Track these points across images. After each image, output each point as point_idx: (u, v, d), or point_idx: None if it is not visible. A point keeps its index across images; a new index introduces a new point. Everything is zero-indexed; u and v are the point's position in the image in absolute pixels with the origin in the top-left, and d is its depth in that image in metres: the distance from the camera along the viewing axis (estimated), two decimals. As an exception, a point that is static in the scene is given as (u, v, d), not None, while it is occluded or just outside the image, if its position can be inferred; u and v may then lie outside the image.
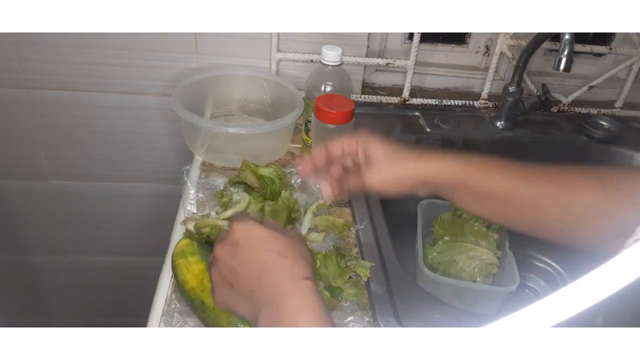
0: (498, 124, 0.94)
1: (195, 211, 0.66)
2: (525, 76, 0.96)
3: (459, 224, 0.76)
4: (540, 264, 0.90)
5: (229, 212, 0.62)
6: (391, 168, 0.51)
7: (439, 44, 1.02)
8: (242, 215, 0.50)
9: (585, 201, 0.46)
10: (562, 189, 0.47)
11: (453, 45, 1.03)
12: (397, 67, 0.95)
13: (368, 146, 0.53)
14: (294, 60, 0.91)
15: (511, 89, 0.90)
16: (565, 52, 0.72)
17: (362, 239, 0.65)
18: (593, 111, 1.03)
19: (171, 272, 0.56)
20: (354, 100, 0.82)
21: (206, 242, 0.59)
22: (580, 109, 1.03)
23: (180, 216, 0.66)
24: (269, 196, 0.67)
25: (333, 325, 0.41)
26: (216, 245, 0.47)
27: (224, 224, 0.60)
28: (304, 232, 0.60)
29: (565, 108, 1.03)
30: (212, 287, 0.47)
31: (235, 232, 0.46)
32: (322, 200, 0.64)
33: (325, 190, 0.55)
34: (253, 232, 0.46)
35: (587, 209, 0.45)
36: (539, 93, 0.95)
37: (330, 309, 0.54)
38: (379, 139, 0.53)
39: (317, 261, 0.56)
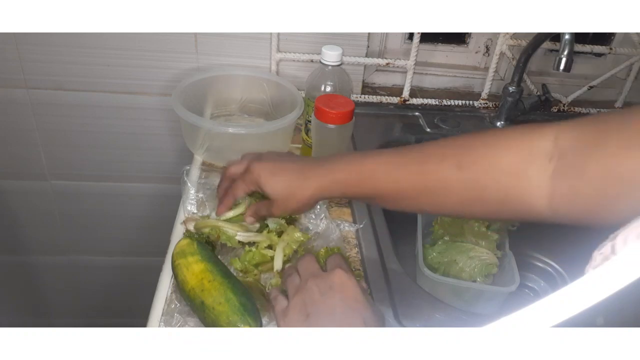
0: (498, 124, 0.94)
1: (195, 211, 0.66)
2: (525, 76, 0.96)
3: (459, 224, 0.76)
4: (540, 264, 0.90)
5: (230, 213, 0.62)
6: (287, 203, 0.55)
7: (439, 44, 1.02)
8: (345, 264, 0.50)
9: (447, 184, 0.48)
10: (426, 177, 0.49)
11: (453, 45, 1.03)
12: (397, 67, 0.95)
13: (262, 188, 0.55)
14: (294, 60, 0.91)
15: (511, 89, 0.90)
16: (565, 52, 0.72)
17: (362, 238, 0.65)
18: (593, 111, 1.03)
19: (171, 272, 0.56)
20: (354, 100, 0.82)
21: (206, 243, 0.59)
22: (580, 109, 1.03)
23: (180, 216, 0.66)
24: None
25: None
26: (311, 278, 0.48)
27: (224, 225, 0.60)
28: (277, 267, 0.59)
29: (565, 108, 1.03)
30: (289, 309, 0.47)
31: (336, 276, 0.47)
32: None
33: (250, 220, 0.60)
34: (351, 285, 0.47)
35: (449, 191, 0.48)
36: (539, 93, 0.95)
37: None
38: (270, 174, 0.55)
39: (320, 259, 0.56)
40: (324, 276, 0.48)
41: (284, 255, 0.58)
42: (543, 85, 0.94)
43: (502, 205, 0.46)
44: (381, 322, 0.48)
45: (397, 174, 0.50)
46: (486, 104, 1.00)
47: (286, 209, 0.56)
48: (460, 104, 1.00)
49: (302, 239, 0.59)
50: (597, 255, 0.33)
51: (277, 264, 0.57)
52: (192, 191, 0.68)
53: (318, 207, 0.67)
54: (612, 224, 0.30)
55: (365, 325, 0.45)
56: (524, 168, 0.44)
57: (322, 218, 0.66)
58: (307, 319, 0.45)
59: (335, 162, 0.54)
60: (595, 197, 0.39)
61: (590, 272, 0.22)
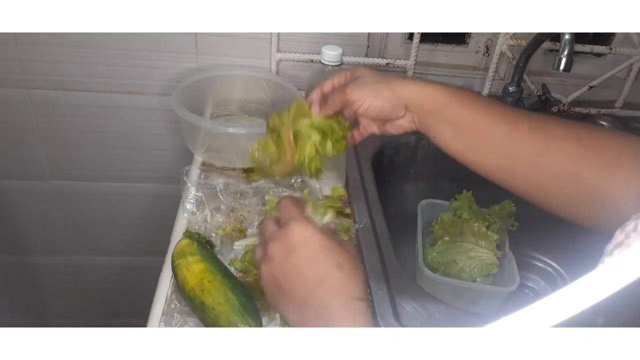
0: (498, 124, 0.94)
1: (195, 210, 0.66)
2: (525, 76, 0.96)
3: (459, 224, 0.76)
4: (540, 264, 0.90)
5: (247, 241, 0.62)
6: (374, 83, 0.50)
7: (439, 44, 1.02)
8: (300, 215, 0.45)
9: (558, 151, 0.46)
10: (538, 133, 0.47)
11: (453, 45, 1.02)
12: (397, 67, 0.95)
13: (355, 71, 0.53)
14: (294, 60, 0.91)
15: (511, 89, 0.90)
16: (565, 52, 0.72)
17: (362, 238, 0.65)
18: (593, 111, 1.03)
19: (171, 272, 0.56)
20: (354, 100, 0.82)
21: (206, 243, 0.59)
22: (580, 109, 1.03)
23: (180, 216, 0.66)
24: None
25: None
26: (270, 243, 0.44)
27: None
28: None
29: (565, 108, 1.03)
30: (263, 285, 0.45)
31: (293, 234, 0.43)
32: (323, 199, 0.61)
33: (315, 108, 0.53)
34: (311, 237, 0.43)
35: (558, 166, 0.45)
36: (539, 93, 0.95)
37: None
38: (367, 68, 0.54)
39: None
40: (281, 236, 0.43)
41: None
42: (543, 85, 0.94)
43: (592, 196, 0.44)
44: (356, 260, 0.45)
45: (511, 123, 0.47)
46: (486, 104, 1.00)
47: (368, 87, 0.50)
48: (460, 104, 0.99)
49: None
50: (619, 234, 0.33)
51: None
52: (192, 191, 0.68)
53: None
54: None
55: (342, 270, 0.42)
56: (622, 162, 0.43)
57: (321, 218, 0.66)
58: (281, 290, 0.43)
59: (427, 80, 0.52)
60: None
61: (592, 272, 0.22)
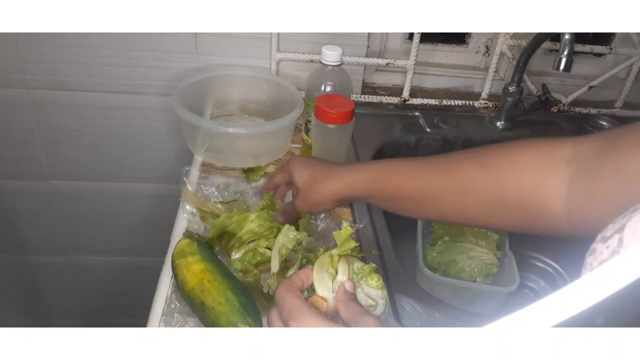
0: (498, 124, 0.94)
1: (195, 210, 0.66)
2: (525, 76, 0.96)
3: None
4: (540, 264, 0.90)
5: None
6: (311, 196, 0.57)
7: (439, 44, 1.02)
8: (298, 309, 0.40)
9: (469, 182, 0.48)
10: (449, 176, 0.50)
11: (453, 45, 1.02)
12: (397, 67, 0.95)
13: (294, 176, 0.59)
14: (294, 60, 0.91)
15: (511, 89, 0.90)
16: (565, 52, 0.72)
17: (362, 238, 0.65)
18: (593, 111, 1.03)
19: (171, 272, 0.56)
20: (354, 100, 0.82)
21: (206, 243, 0.59)
22: (580, 109, 1.03)
23: (180, 216, 0.66)
24: None
25: None
26: (269, 313, 0.42)
27: (215, 209, 0.64)
28: (273, 270, 0.56)
29: (565, 108, 1.03)
30: None
31: (283, 308, 0.41)
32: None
33: (279, 220, 0.61)
34: (299, 307, 0.40)
35: (471, 190, 0.48)
36: (539, 93, 0.95)
37: None
38: (301, 164, 0.60)
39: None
40: (276, 309, 0.42)
41: (281, 256, 0.57)
42: (543, 85, 0.94)
43: (521, 208, 0.46)
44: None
45: (421, 174, 0.51)
46: (486, 104, 1.00)
47: (307, 200, 0.58)
48: (460, 104, 1.00)
49: (298, 237, 0.59)
50: (604, 249, 0.32)
51: (274, 266, 0.57)
52: (192, 191, 0.68)
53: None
54: None
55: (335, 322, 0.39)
56: (545, 171, 0.44)
57: (322, 218, 0.66)
58: None
59: (362, 164, 0.58)
60: (609, 200, 0.39)
61: (592, 269, 0.22)
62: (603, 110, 1.03)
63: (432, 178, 0.51)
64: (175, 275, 0.55)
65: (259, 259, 0.59)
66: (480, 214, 0.49)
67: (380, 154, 0.85)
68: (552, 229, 0.45)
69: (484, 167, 0.47)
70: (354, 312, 0.41)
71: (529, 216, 0.46)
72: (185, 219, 0.65)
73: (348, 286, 0.44)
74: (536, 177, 0.44)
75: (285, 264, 0.58)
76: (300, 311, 0.40)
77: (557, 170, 0.43)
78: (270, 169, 0.76)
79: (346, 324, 0.41)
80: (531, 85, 0.99)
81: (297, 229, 0.60)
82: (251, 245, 0.60)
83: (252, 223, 0.60)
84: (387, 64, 0.94)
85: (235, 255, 0.60)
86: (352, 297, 0.44)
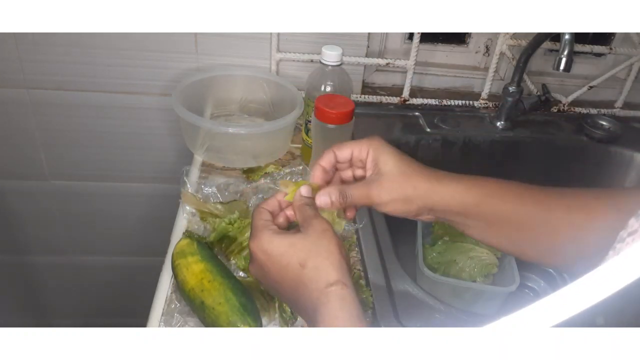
0: (498, 124, 0.94)
1: (194, 211, 0.66)
2: (525, 76, 0.96)
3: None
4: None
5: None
6: (402, 188, 0.47)
7: (439, 44, 1.02)
8: (256, 229, 0.44)
9: (601, 226, 0.43)
10: (579, 212, 0.45)
11: (453, 45, 1.02)
12: (397, 67, 0.95)
13: (379, 157, 0.48)
14: (294, 60, 0.91)
15: (511, 89, 0.90)
16: (565, 52, 0.72)
17: (362, 238, 0.65)
18: (593, 111, 1.03)
19: (171, 272, 0.56)
20: (354, 100, 0.82)
21: (206, 243, 0.59)
22: (580, 109, 1.03)
23: (180, 216, 0.66)
24: None
25: (366, 325, 0.39)
26: (249, 265, 0.46)
27: (214, 209, 0.63)
28: None
29: (565, 108, 1.03)
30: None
31: (256, 253, 0.43)
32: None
33: (324, 201, 0.47)
34: (269, 248, 0.42)
35: (601, 235, 0.41)
36: (539, 93, 0.95)
37: None
38: (391, 149, 0.49)
39: None
40: (251, 258, 0.45)
41: None
42: (543, 85, 0.94)
43: (572, 254, 0.45)
44: (320, 243, 0.42)
45: (543, 205, 0.46)
46: (486, 104, 1.00)
47: (391, 193, 0.47)
48: (460, 104, 1.00)
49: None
50: (634, 222, 0.33)
51: None
52: (192, 191, 0.68)
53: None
54: None
55: (305, 266, 0.41)
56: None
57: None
58: (281, 297, 0.46)
59: (449, 177, 0.48)
60: None
61: (592, 272, 0.22)
62: (603, 110, 1.03)
63: (557, 209, 0.46)
64: (175, 275, 0.55)
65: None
66: (538, 250, 0.47)
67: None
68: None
69: (618, 212, 0.42)
70: (307, 215, 0.44)
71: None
72: (185, 219, 0.65)
73: (304, 191, 0.47)
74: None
75: None
76: (258, 230, 0.44)
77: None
78: (271, 169, 0.76)
79: (300, 225, 0.44)
80: (531, 85, 0.99)
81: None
82: None
83: None
84: (387, 64, 0.94)
85: (234, 260, 0.60)
86: (307, 201, 0.46)
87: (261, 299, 0.54)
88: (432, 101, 0.99)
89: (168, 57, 0.89)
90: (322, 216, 0.45)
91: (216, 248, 0.61)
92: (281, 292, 0.44)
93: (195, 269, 0.53)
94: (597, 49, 0.98)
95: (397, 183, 0.47)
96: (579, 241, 0.45)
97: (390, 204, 0.47)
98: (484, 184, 0.47)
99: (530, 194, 0.47)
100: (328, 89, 0.76)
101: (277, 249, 0.42)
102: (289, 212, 0.48)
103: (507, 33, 0.93)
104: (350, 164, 0.51)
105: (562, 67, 0.72)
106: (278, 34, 0.88)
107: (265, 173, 0.75)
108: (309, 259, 0.41)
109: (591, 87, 1.00)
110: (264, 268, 0.43)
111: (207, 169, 0.76)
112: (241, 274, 0.59)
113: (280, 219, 0.48)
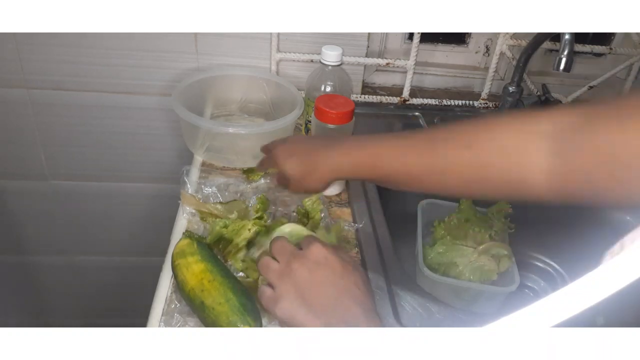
0: (498, 124, 0.94)
1: (194, 211, 0.66)
2: (525, 76, 0.96)
3: (464, 228, 0.76)
4: (540, 264, 0.90)
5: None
6: (302, 183, 0.59)
7: (439, 44, 1.02)
8: (316, 238, 0.52)
9: (455, 163, 0.50)
10: (435, 157, 0.51)
11: (453, 45, 1.03)
12: (397, 67, 0.95)
13: (283, 170, 0.60)
14: (294, 60, 0.91)
15: (511, 89, 0.90)
16: (565, 52, 0.72)
17: (362, 238, 0.65)
18: (593, 111, 1.03)
19: (171, 272, 0.56)
20: (354, 100, 0.82)
21: (206, 243, 0.59)
22: (580, 109, 1.03)
23: (180, 216, 0.66)
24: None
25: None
26: (294, 260, 0.48)
27: (214, 209, 0.64)
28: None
29: (565, 108, 1.02)
30: (279, 296, 0.47)
31: (316, 252, 0.48)
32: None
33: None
34: (332, 257, 0.48)
35: (457, 170, 0.49)
36: (539, 93, 0.95)
37: None
38: (288, 156, 0.60)
39: None
40: (305, 254, 0.48)
41: None
42: (543, 85, 0.94)
43: (504, 184, 0.48)
44: (368, 283, 0.51)
45: (407, 158, 0.52)
46: (486, 104, 1.00)
47: (300, 188, 0.60)
48: (460, 104, 1.00)
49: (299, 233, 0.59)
50: (608, 254, 0.33)
51: None
52: (192, 191, 0.68)
53: (322, 206, 0.67)
54: (609, 204, 0.29)
55: (359, 287, 0.47)
56: (526, 146, 0.46)
57: (322, 217, 0.66)
58: (304, 302, 0.46)
59: (348, 145, 0.57)
60: (588, 174, 0.41)
61: (592, 272, 0.22)
62: (603, 110, 1.03)
63: (419, 162, 0.52)
64: (175, 275, 0.54)
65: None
66: (464, 190, 0.52)
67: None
68: (533, 198, 0.47)
69: (467, 148, 0.49)
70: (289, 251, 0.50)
71: (512, 189, 0.48)
72: (185, 219, 0.65)
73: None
74: (518, 155, 0.46)
75: None
76: (320, 242, 0.50)
77: (538, 146, 0.45)
78: (270, 169, 0.76)
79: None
80: (531, 85, 0.99)
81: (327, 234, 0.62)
82: (252, 250, 0.60)
83: (249, 232, 0.60)
84: (387, 64, 0.94)
85: (231, 261, 0.60)
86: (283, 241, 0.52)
87: (261, 299, 0.54)
88: (432, 101, 0.99)
89: (168, 57, 0.89)
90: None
91: (215, 249, 0.61)
92: (321, 291, 0.47)
93: (195, 269, 0.53)
94: (597, 49, 0.98)
95: (299, 182, 0.59)
96: (446, 180, 0.51)
97: (307, 192, 0.64)
98: (371, 151, 0.55)
99: (402, 152, 0.53)
100: (328, 89, 0.76)
101: (339, 261, 0.49)
102: None
103: (507, 33, 0.93)
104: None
105: (562, 67, 0.72)
106: (278, 34, 0.88)
107: (265, 173, 0.75)
108: (361, 285, 0.49)
109: (591, 87, 1.00)
110: (318, 265, 0.48)
111: (207, 169, 0.76)
112: (240, 274, 0.59)
113: None
